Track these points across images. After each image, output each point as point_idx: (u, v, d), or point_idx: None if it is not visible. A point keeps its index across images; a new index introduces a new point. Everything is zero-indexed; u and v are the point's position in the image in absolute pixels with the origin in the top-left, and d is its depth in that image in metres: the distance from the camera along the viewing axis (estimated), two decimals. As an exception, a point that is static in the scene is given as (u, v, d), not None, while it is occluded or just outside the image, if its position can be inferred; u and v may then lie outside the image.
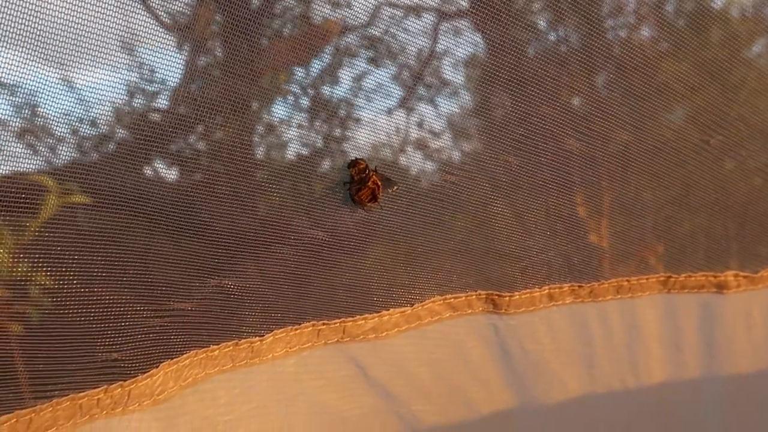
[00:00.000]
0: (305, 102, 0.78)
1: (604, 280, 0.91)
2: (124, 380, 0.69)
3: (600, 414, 0.94)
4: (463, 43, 0.80)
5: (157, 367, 0.71)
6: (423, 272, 0.86)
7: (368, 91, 0.79)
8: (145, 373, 0.71)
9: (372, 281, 0.84)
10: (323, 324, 0.81)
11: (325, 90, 0.78)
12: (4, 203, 0.61)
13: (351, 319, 0.83)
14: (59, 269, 0.65)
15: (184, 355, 0.73)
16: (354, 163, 0.77)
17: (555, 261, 0.89)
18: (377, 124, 0.79)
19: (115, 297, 0.69)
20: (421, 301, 0.86)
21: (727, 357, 0.96)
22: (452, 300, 0.87)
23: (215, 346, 0.75)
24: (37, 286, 0.65)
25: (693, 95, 0.89)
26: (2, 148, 0.62)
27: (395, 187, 0.79)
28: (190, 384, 0.74)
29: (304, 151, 0.77)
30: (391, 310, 0.84)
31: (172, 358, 0.72)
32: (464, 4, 0.79)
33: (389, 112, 0.80)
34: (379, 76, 0.79)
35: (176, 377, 0.72)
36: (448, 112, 0.82)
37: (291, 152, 0.77)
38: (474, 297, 0.88)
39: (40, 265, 0.64)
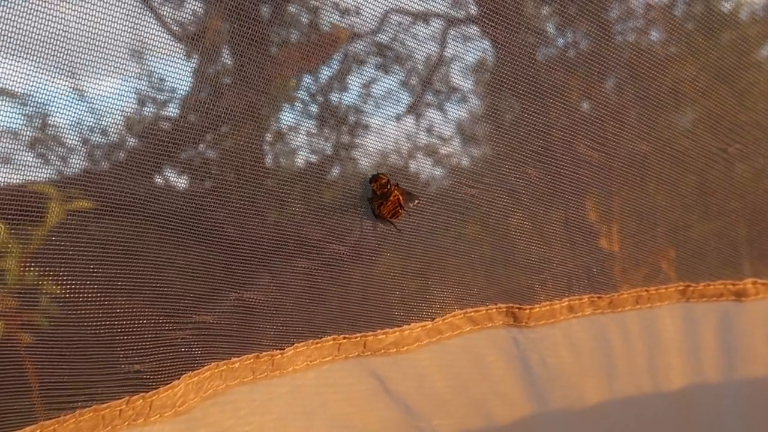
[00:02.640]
0: (314, 109, 0.78)
1: (623, 290, 0.92)
2: (146, 392, 0.70)
3: (620, 425, 0.94)
4: (472, 49, 0.80)
5: (178, 378, 0.71)
6: (443, 286, 0.86)
7: (377, 97, 0.80)
8: (166, 384, 0.71)
9: (393, 295, 0.84)
10: (344, 338, 0.81)
11: (334, 97, 0.79)
12: (9, 214, 0.61)
13: (372, 333, 0.82)
14: (75, 279, 0.65)
15: (205, 367, 0.73)
16: (375, 178, 0.77)
17: (574, 272, 0.90)
18: (386, 131, 0.80)
19: (137, 309, 0.69)
20: (442, 315, 0.86)
21: (747, 365, 0.96)
22: (473, 314, 0.87)
23: (236, 359, 0.75)
24: (51, 296, 0.65)
25: (710, 104, 0.89)
26: (13, 157, 0.62)
27: (417, 201, 0.80)
28: (211, 395, 0.74)
29: (315, 158, 0.78)
30: (412, 324, 0.84)
31: (193, 370, 0.72)
32: (473, 10, 0.80)
33: (398, 118, 0.80)
34: (388, 83, 0.79)
35: (197, 389, 0.72)
36: (458, 117, 0.83)
37: (310, 161, 0.77)
38: (494, 310, 0.88)
39: (51, 274, 0.64)
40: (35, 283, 0.65)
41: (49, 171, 0.65)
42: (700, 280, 0.94)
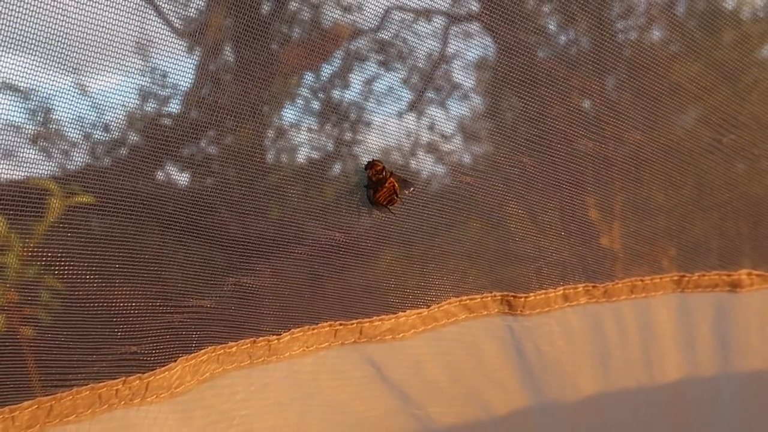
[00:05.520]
0: (316, 106, 0.79)
1: (618, 279, 0.92)
2: (143, 372, 0.71)
3: (615, 415, 0.94)
4: (474, 46, 0.81)
5: (175, 361, 0.72)
6: (439, 273, 0.86)
7: (379, 94, 0.80)
8: (163, 366, 0.72)
9: (388, 282, 0.85)
10: (340, 324, 0.82)
11: (336, 94, 0.79)
12: (10, 209, 0.62)
13: (368, 320, 0.83)
14: (77, 261, 0.66)
15: (202, 351, 0.74)
16: (371, 165, 0.78)
17: (569, 261, 0.90)
18: (388, 128, 0.81)
19: (134, 293, 0.70)
20: (438, 303, 0.86)
21: (742, 355, 0.96)
22: (468, 301, 0.87)
23: (233, 343, 0.76)
24: (52, 289, 0.66)
25: (705, 95, 0.90)
26: (16, 152, 0.63)
27: (412, 189, 0.80)
28: (208, 379, 0.75)
29: (316, 154, 0.78)
30: (408, 311, 0.85)
31: (189, 353, 0.73)
32: (474, 7, 0.81)
33: (400, 115, 0.81)
34: (390, 80, 0.80)
35: (194, 371, 0.73)
36: (459, 114, 0.83)
37: (303, 155, 0.78)
38: (489, 298, 0.88)
39: (55, 260, 0.66)
40: (36, 276, 0.66)
41: (50, 166, 0.66)
42: (695, 271, 0.95)
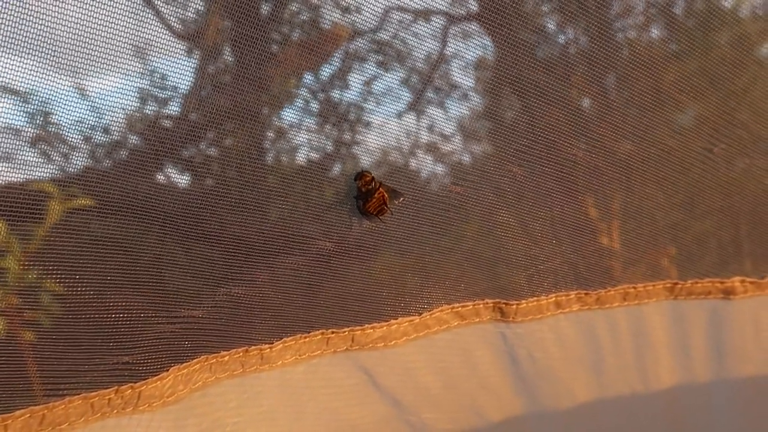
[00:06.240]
0: (315, 107, 0.79)
1: (611, 287, 0.92)
2: (135, 382, 0.71)
3: (610, 421, 0.94)
4: (473, 47, 0.81)
5: (167, 370, 0.73)
6: (431, 281, 0.86)
7: (378, 95, 0.81)
8: (155, 375, 0.72)
9: (380, 290, 0.85)
10: (332, 332, 0.82)
11: (335, 94, 0.80)
12: (9, 212, 0.63)
13: (360, 327, 0.83)
14: (70, 274, 0.67)
15: (195, 360, 0.75)
16: (360, 176, 0.78)
17: (561, 269, 0.90)
18: (387, 128, 0.81)
19: (127, 303, 0.71)
20: (429, 310, 0.86)
21: (736, 362, 0.96)
22: (460, 309, 0.87)
23: (225, 352, 0.77)
24: (48, 291, 0.67)
25: (696, 104, 0.89)
26: (15, 155, 0.64)
27: (401, 199, 0.81)
28: (200, 387, 0.75)
29: (314, 156, 0.79)
30: (400, 318, 0.85)
31: (182, 363, 0.74)
32: (473, 7, 0.81)
33: (399, 116, 0.81)
34: (389, 80, 0.80)
35: (186, 380, 0.74)
36: (458, 115, 0.83)
37: (300, 157, 0.78)
38: (481, 305, 0.88)
39: (50, 270, 0.66)
40: (36, 280, 0.67)
41: (50, 169, 0.66)
42: (688, 278, 0.94)
